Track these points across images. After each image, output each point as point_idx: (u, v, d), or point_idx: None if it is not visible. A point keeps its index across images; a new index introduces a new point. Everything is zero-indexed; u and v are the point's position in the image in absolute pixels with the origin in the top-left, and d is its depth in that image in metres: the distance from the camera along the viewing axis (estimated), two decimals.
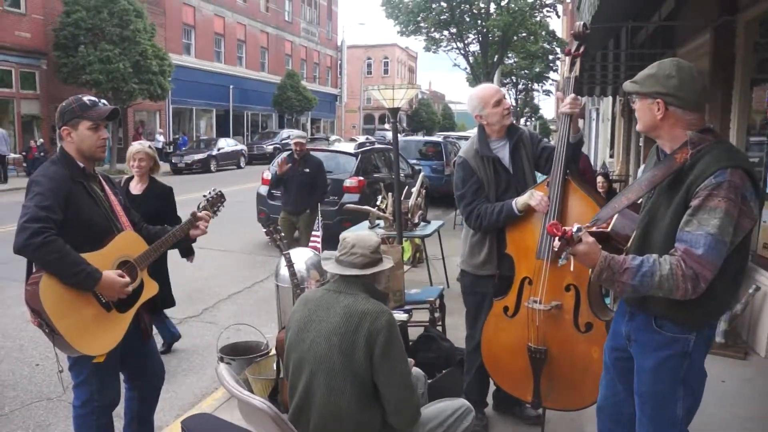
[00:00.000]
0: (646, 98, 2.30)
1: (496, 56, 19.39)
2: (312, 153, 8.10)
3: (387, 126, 67.34)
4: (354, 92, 61.88)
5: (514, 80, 30.92)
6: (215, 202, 3.29)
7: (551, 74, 29.43)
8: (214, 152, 26.40)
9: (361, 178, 10.05)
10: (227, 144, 28.18)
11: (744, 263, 2.33)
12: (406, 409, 2.45)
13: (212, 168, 25.63)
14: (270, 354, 4.43)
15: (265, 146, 31.71)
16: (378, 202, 7.91)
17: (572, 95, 3.29)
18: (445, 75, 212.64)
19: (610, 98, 17.94)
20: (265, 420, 2.13)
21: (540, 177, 3.72)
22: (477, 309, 3.80)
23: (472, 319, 3.87)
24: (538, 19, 24.67)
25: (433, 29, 21.86)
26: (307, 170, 7.55)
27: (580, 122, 3.51)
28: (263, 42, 40.85)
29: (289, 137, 32.55)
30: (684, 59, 7.81)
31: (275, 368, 4.00)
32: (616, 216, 2.48)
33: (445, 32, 19.86)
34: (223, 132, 34.28)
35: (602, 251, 2.19)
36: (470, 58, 19.36)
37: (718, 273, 2.14)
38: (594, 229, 2.41)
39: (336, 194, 9.75)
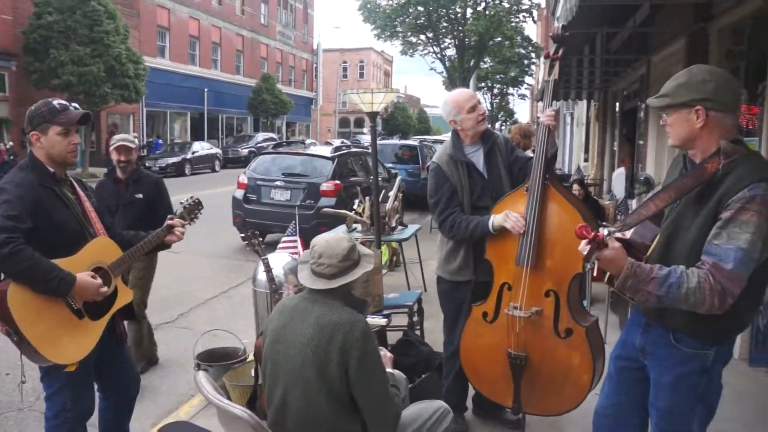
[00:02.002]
0: (682, 109, 2.19)
1: (473, 61, 19.48)
2: (146, 170, 5.56)
3: (363, 130, 67.40)
4: (329, 96, 61.74)
5: (490, 84, 31.06)
6: (192, 210, 3.24)
7: (527, 78, 29.70)
8: (189, 156, 26.18)
9: (338, 182, 10.00)
10: (202, 147, 27.97)
11: (767, 279, 2.27)
12: (385, 420, 2.41)
13: (187, 172, 25.38)
14: (247, 360, 4.38)
15: (240, 150, 31.56)
16: (355, 206, 7.91)
17: (550, 109, 3.31)
18: (420, 79, 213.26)
19: (585, 102, 18.15)
20: (246, 429, 2.09)
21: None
22: (455, 315, 3.79)
23: (450, 326, 3.85)
24: (513, 24, 24.88)
25: (409, 33, 21.91)
26: (140, 196, 4.84)
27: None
28: (238, 45, 40.61)
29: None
30: (658, 65, 7.91)
31: (254, 375, 3.95)
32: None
33: (422, 36, 19.86)
34: (197, 135, 33.96)
35: (629, 258, 2.12)
36: (447, 63, 19.38)
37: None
38: (618, 235, 2.31)
39: (312, 198, 9.71)
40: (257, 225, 10.13)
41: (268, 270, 3.65)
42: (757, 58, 5.78)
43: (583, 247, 2.09)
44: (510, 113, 46.07)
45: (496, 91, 32.99)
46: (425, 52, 20.78)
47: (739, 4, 5.56)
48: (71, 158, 2.86)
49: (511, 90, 33.66)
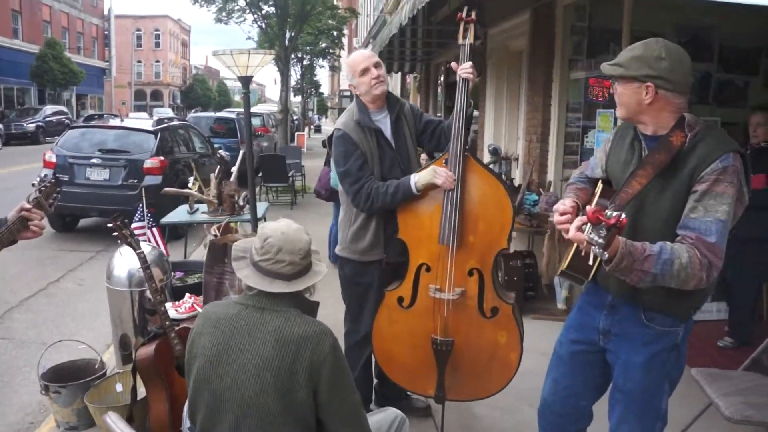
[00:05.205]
0: (633, 82, 2.10)
1: (293, 31, 18.74)
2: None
3: (160, 102, 63.63)
4: (124, 66, 57.45)
5: (300, 56, 30.50)
6: (50, 193, 2.51)
7: (338, 51, 29.44)
8: None
9: (162, 158, 9.06)
10: None
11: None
12: None
13: None
14: (107, 374, 3.67)
15: (25, 125, 27.98)
16: (189, 185, 7.20)
17: (470, 62, 3.07)
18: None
19: (399, 75, 18.37)
20: None
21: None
22: (360, 301, 3.44)
23: (354, 313, 3.50)
24: None
25: None
26: None
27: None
28: (15, 4, 35.86)
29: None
30: (496, 38, 7.96)
31: (119, 391, 3.31)
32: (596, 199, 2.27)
33: (240, 1, 18.68)
34: None
35: (620, 237, 1.90)
36: (269, 30, 18.45)
37: None
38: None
39: (135, 177, 8.71)
40: (72, 209, 8.93)
41: (146, 267, 3.00)
42: (598, 34, 6.08)
43: (594, 233, 1.78)
44: (317, 85, 45.84)
45: (306, 62, 32.55)
46: (241, 19, 19.64)
47: None
48: None
49: (322, 62, 33.39)
